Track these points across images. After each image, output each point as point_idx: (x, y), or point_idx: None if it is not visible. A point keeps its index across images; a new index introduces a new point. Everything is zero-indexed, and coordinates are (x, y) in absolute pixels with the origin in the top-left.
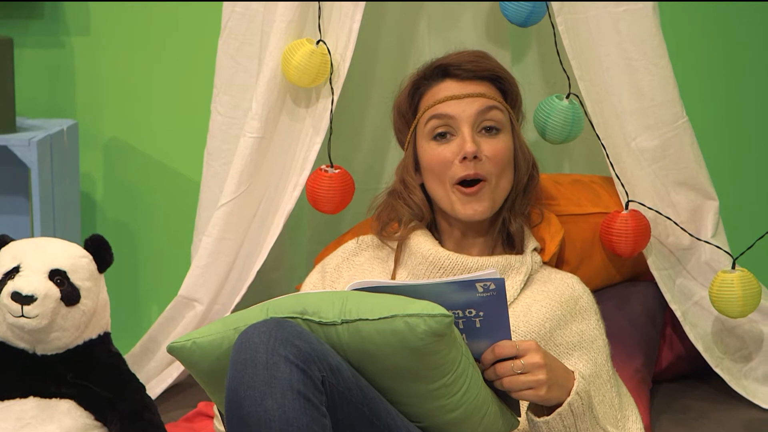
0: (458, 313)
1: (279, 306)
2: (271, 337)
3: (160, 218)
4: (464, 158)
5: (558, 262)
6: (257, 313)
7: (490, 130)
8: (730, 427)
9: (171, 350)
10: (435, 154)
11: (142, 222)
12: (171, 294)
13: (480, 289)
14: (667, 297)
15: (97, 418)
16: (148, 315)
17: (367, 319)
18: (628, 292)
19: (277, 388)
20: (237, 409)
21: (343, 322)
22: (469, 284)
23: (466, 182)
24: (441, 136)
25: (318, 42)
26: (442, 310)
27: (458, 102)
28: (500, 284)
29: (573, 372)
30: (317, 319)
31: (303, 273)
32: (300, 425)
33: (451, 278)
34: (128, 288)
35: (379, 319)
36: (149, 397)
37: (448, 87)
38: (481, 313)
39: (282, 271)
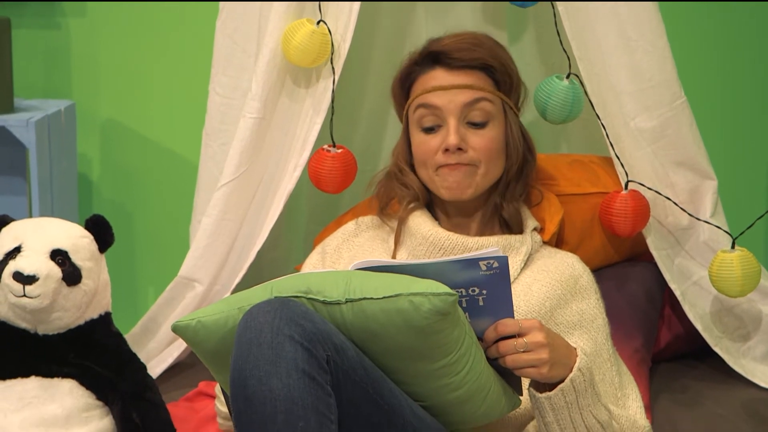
0: (461, 292)
1: (283, 285)
2: (276, 317)
3: (157, 199)
4: (447, 150)
5: (557, 242)
6: (261, 292)
7: (477, 125)
8: (728, 406)
9: (176, 329)
10: (421, 143)
11: (139, 203)
12: (167, 275)
13: (483, 268)
14: (667, 277)
15: (98, 398)
16: (144, 296)
17: (371, 298)
18: (627, 272)
19: (282, 367)
20: (242, 389)
21: (347, 302)
22: (473, 263)
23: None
24: (429, 129)
25: (318, 22)
26: (446, 288)
27: (445, 93)
28: (503, 262)
29: (575, 349)
30: (321, 299)
31: (300, 253)
32: (305, 404)
33: (454, 257)
34: (124, 269)
35: (384, 298)
36: (150, 377)
37: (437, 76)
38: (485, 292)
39: (279, 251)
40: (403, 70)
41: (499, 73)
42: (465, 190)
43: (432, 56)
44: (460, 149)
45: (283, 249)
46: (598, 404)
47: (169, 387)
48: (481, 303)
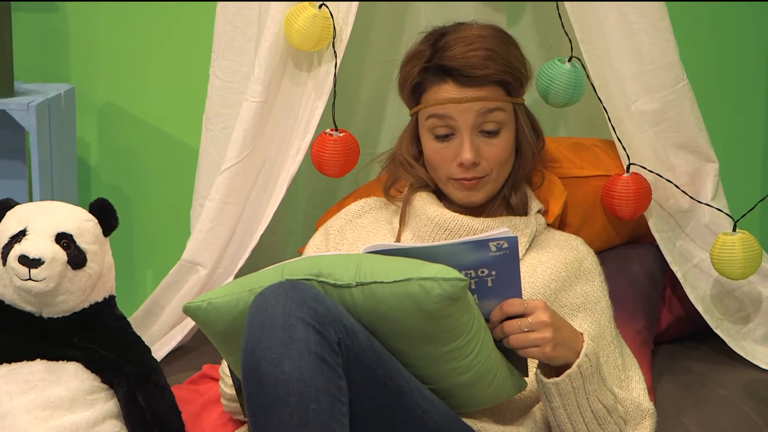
0: (471, 274)
1: (294, 268)
2: (288, 299)
3: (155, 183)
4: (461, 164)
5: (560, 224)
6: (272, 275)
7: (491, 133)
8: (730, 387)
9: (186, 310)
10: (435, 151)
11: (137, 187)
12: (166, 258)
13: (493, 249)
14: (668, 259)
15: (103, 381)
16: (143, 279)
17: (382, 282)
18: (628, 255)
19: (294, 349)
20: (254, 371)
21: (358, 285)
22: (483, 244)
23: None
24: (443, 137)
25: (320, 6)
26: (456, 273)
27: (458, 105)
28: (513, 243)
29: (582, 334)
30: (332, 282)
31: (299, 237)
32: (317, 386)
33: (464, 239)
34: (123, 253)
35: (394, 282)
36: (155, 360)
37: (449, 90)
38: (494, 273)
39: (279, 235)
40: (412, 75)
41: (511, 85)
42: (478, 198)
43: (443, 69)
44: (474, 163)
45: (283, 233)
46: (604, 389)
47: (172, 370)
48: (489, 284)
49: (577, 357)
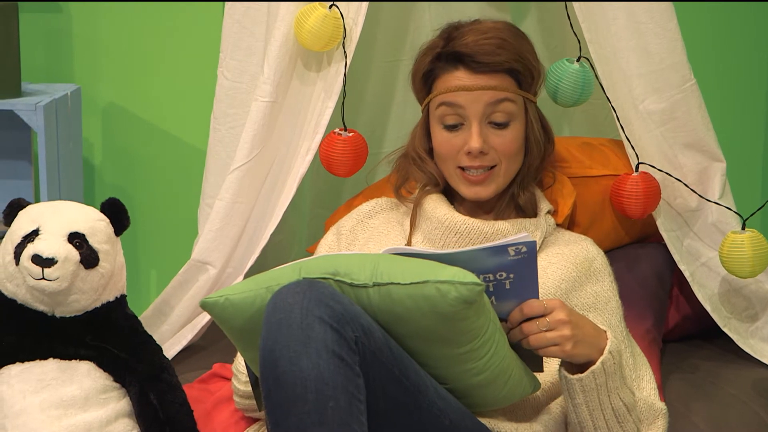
0: (489, 277)
1: (311, 267)
2: (305, 298)
3: (158, 183)
4: (469, 153)
5: (569, 224)
6: (289, 273)
7: (500, 125)
8: (739, 385)
9: (204, 306)
10: (444, 141)
11: (140, 187)
12: (170, 258)
13: (512, 253)
14: (676, 258)
15: (115, 380)
16: (146, 280)
17: (398, 283)
18: (637, 254)
19: (312, 348)
20: (272, 369)
21: (374, 285)
22: (502, 249)
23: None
24: (452, 127)
25: (330, 6)
26: (473, 277)
27: (469, 93)
28: (531, 246)
29: (605, 331)
30: (349, 281)
31: (305, 237)
32: (335, 385)
33: (484, 245)
34: (127, 253)
35: (411, 283)
36: (166, 359)
37: (461, 77)
38: (512, 276)
39: (284, 235)
40: (424, 64)
41: (522, 75)
42: (486, 193)
43: (456, 56)
44: (482, 152)
45: (288, 232)
46: (624, 387)
47: (182, 369)
48: (507, 287)
49: (600, 354)
